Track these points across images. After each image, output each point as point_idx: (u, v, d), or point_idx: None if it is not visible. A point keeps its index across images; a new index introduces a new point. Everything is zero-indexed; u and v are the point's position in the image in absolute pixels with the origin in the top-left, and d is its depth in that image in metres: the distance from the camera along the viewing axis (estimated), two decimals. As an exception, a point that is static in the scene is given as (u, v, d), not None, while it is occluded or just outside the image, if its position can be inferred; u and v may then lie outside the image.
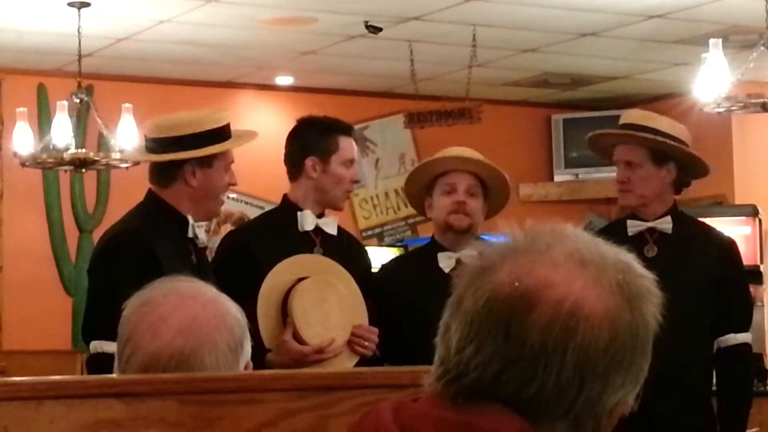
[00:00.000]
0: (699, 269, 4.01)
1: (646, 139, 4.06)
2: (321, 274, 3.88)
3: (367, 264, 4.27)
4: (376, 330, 3.90)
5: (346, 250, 4.14)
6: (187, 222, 3.72)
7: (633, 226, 4.07)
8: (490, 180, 4.14)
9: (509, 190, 4.22)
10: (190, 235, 3.72)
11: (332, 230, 4.08)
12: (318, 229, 4.06)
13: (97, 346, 3.48)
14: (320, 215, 4.08)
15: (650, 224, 4.07)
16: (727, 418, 4.08)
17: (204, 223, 3.81)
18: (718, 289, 4.02)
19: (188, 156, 3.71)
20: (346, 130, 4.14)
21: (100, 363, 3.39)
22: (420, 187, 4.19)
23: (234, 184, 3.85)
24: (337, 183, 4.05)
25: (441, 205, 4.10)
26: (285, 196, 4.15)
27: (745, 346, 4.08)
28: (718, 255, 4.08)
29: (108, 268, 3.59)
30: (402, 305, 4.07)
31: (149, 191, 3.81)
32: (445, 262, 4.08)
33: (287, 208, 4.10)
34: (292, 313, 3.76)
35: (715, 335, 4.05)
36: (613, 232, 3.83)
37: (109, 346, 3.18)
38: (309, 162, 4.03)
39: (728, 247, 4.13)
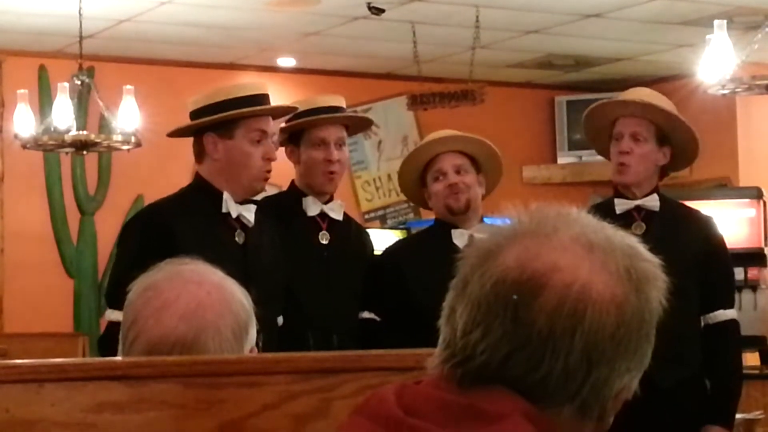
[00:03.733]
0: (686, 245, 4.01)
1: (662, 113, 4.02)
2: None
3: (372, 250, 4.31)
4: None
5: (354, 236, 4.18)
6: (221, 197, 3.62)
7: (621, 205, 4.06)
8: (477, 153, 4.15)
9: (500, 158, 4.19)
10: (224, 210, 3.61)
11: (338, 215, 4.09)
12: (324, 215, 4.07)
13: (107, 314, 3.61)
14: (327, 201, 4.08)
15: (638, 202, 4.07)
16: (720, 395, 4.06)
17: (252, 206, 3.67)
18: (705, 265, 4.04)
19: (200, 124, 3.62)
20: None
21: (107, 330, 3.54)
22: (415, 183, 4.21)
23: (271, 159, 3.64)
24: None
25: (436, 192, 4.12)
26: (292, 182, 4.17)
27: (734, 322, 4.10)
28: (703, 232, 4.11)
29: (121, 242, 3.76)
30: (423, 283, 4.04)
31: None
32: (460, 238, 4.09)
33: (293, 193, 4.12)
34: None
35: (702, 312, 4.07)
36: (602, 211, 3.80)
37: (112, 314, 3.46)
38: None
39: (711, 224, 4.16)
